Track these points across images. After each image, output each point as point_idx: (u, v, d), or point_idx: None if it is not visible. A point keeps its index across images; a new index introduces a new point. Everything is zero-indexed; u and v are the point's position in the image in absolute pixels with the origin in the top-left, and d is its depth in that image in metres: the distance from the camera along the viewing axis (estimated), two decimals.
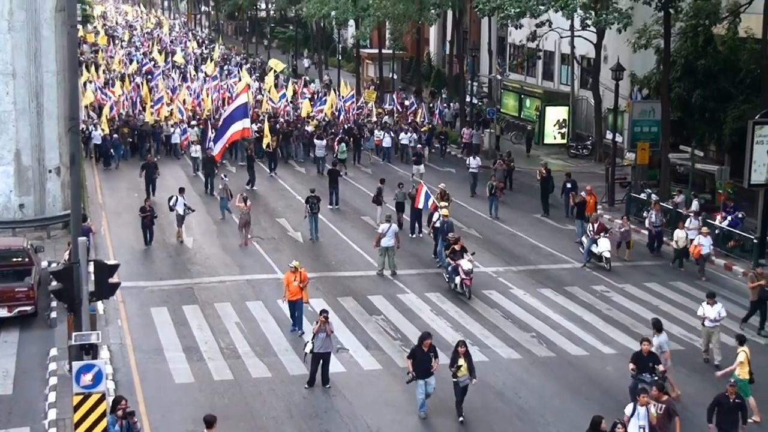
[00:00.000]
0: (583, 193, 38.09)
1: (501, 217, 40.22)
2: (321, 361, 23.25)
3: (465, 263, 29.92)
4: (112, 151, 49.79)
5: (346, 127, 54.90)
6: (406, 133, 53.83)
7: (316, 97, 62.74)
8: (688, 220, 34.77)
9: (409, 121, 58.50)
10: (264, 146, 48.11)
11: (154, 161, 43.37)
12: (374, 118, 58.65)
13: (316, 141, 50.19)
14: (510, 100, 64.63)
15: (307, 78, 78.47)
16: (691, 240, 33.40)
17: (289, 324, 27.22)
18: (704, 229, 33.18)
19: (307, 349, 23.28)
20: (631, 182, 43.49)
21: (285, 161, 50.72)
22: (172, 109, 57.17)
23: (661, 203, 36.97)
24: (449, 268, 30.51)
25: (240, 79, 66.99)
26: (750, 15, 40.22)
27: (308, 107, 58.56)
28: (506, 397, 23.27)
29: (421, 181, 38.42)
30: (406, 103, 64.52)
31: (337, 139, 50.72)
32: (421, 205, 35.57)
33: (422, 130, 55.52)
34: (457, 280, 29.96)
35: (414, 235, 37.29)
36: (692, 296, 30.86)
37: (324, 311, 23.57)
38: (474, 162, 45.84)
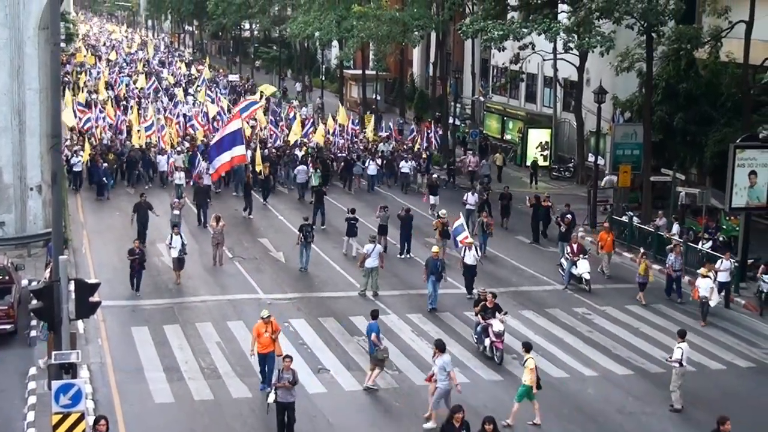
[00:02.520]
0: (569, 216, 37.85)
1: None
2: (285, 412, 21.42)
3: (496, 324, 26.53)
4: (104, 179, 46.89)
5: (338, 154, 53.25)
6: (406, 162, 51.52)
7: (307, 122, 60.29)
8: (719, 261, 32.15)
9: (407, 148, 56.15)
10: (258, 173, 46.27)
11: (147, 202, 38.25)
12: (369, 145, 56.30)
13: (299, 167, 48.48)
14: (493, 122, 64.85)
15: (296, 102, 77.79)
16: (721, 282, 31.74)
17: None
18: (702, 270, 31.00)
19: (270, 399, 21.38)
20: (613, 205, 43.62)
21: (274, 189, 48.94)
22: (161, 135, 54.31)
23: (681, 245, 34.52)
24: (478, 328, 27.35)
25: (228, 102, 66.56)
26: (731, 40, 40.56)
27: (298, 132, 56.69)
28: None
29: (460, 215, 35.75)
30: (434, 133, 59.74)
31: (314, 165, 48.55)
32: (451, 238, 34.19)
33: (422, 158, 53.36)
34: (487, 342, 26.84)
35: (403, 256, 37.30)
36: (674, 319, 30.96)
37: (288, 356, 22.15)
38: (472, 198, 42.14)
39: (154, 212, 38.41)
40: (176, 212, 37.71)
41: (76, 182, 48.09)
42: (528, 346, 23.63)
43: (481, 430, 18.82)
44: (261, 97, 68.93)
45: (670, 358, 24.22)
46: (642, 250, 34.61)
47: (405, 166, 51.14)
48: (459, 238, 32.98)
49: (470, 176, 52.30)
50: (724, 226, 38.31)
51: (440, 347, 22.82)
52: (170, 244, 33.06)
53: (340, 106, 65.54)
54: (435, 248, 32.10)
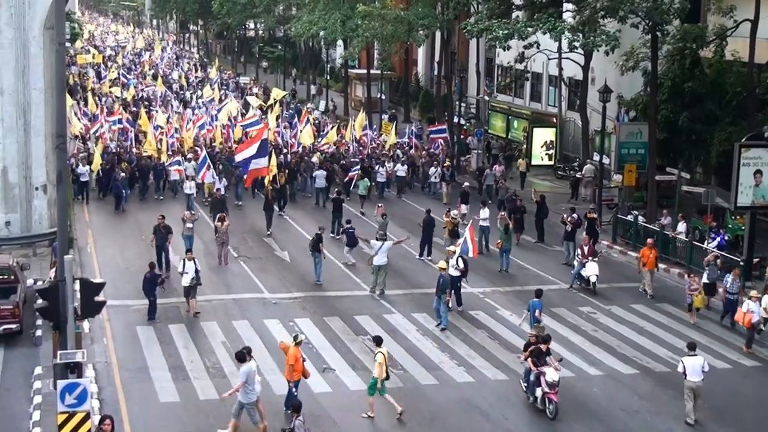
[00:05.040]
0: (575, 215, 37.67)
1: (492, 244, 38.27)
2: None
3: (550, 372, 23.29)
4: (123, 191, 44.08)
5: (351, 160, 50.91)
6: (401, 165, 49.88)
7: (325, 127, 58.29)
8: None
9: (428, 152, 53.97)
10: (270, 180, 42.90)
11: (167, 226, 34.58)
12: (385, 151, 54.29)
13: (317, 172, 46.60)
14: (498, 122, 64.77)
15: (311, 105, 77.04)
16: None
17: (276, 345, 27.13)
18: (754, 293, 28.63)
19: None
20: (618, 204, 43.56)
21: (294, 198, 46.82)
22: (172, 141, 52.04)
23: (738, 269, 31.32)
24: (530, 376, 23.84)
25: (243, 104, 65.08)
26: (736, 38, 40.52)
27: (311, 136, 54.50)
28: (492, 418, 23.22)
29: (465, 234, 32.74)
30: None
31: (357, 174, 46.52)
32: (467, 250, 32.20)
33: (445, 165, 49.86)
34: (538, 392, 23.49)
35: (422, 258, 37.06)
36: (679, 318, 30.92)
37: (296, 407, 20.15)
38: (484, 213, 38.56)
39: (170, 238, 34.42)
40: (189, 225, 36.00)
41: (83, 193, 45.33)
42: (378, 340, 23.59)
43: None
44: (274, 102, 67.61)
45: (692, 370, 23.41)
46: (691, 275, 31.93)
47: (401, 170, 49.54)
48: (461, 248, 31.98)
49: (495, 186, 49.02)
50: (730, 225, 38.24)
51: (240, 358, 21.96)
52: (183, 270, 30.06)
53: (361, 112, 62.57)
54: (441, 263, 30.42)
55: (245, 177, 42.15)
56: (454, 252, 31.42)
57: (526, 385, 24.03)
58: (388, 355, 23.36)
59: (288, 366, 22.55)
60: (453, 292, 30.59)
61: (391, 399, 23.07)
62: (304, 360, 23.07)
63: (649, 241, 34.40)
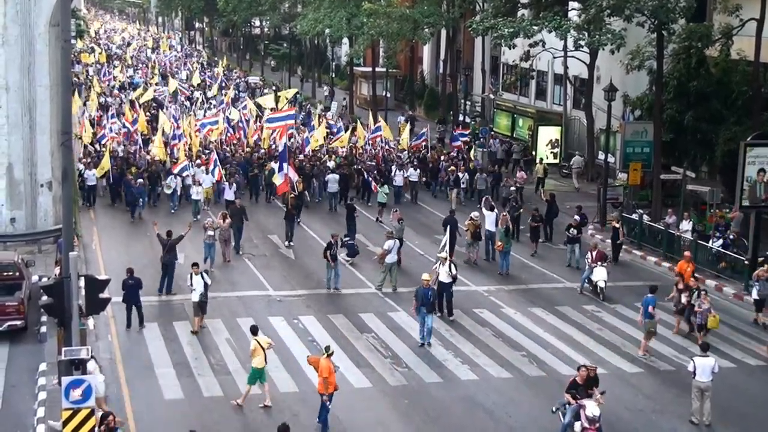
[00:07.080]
0: (577, 218, 37.47)
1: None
2: None
3: (591, 406, 21.29)
4: (141, 198, 42.34)
5: (372, 163, 49.62)
6: (415, 169, 48.00)
7: (336, 129, 56.12)
8: None
9: (449, 156, 52.18)
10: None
11: (177, 240, 32.33)
12: (405, 154, 52.37)
13: (329, 175, 45.25)
14: (503, 120, 64.69)
15: (321, 106, 76.39)
16: None
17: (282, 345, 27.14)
18: None
19: None
20: (623, 203, 43.51)
21: (306, 204, 43.89)
22: (174, 144, 50.07)
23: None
24: (569, 409, 21.80)
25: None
26: (742, 37, 40.48)
27: (321, 139, 53.18)
28: (496, 416, 23.23)
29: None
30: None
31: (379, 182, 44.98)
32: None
33: (450, 169, 48.27)
34: (577, 427, 21.37)
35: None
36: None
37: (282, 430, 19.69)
38: (489, 221, 37.43)
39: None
40: (210, 233, 34.42)
41: (90, 198, 43.94)
42: (254, 329, 24.01)
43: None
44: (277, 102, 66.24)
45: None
46: (704, 291, 29.87)
47: (413, 174, 47.86)
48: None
49: (517, 192, 45.47)
50: (709, 214, 38.35)
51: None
52: (191, 285, 28.69)
53: (380, 119, 59.27)
54: (425, 276, 28.91)
55: (277, 186, 40.77)
56: (446, 258, 30.65)
57: (565, 420, 22.01)
58: (266, 343, 23.49)
59: (321, 379, 22.15)
60: (445, 298, 30.26)
61: (249, 389, 23.32)
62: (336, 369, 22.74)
63: (687, 254, 32.93)
